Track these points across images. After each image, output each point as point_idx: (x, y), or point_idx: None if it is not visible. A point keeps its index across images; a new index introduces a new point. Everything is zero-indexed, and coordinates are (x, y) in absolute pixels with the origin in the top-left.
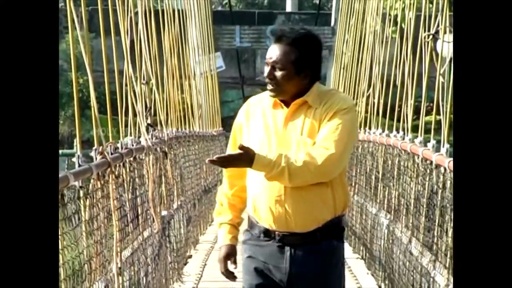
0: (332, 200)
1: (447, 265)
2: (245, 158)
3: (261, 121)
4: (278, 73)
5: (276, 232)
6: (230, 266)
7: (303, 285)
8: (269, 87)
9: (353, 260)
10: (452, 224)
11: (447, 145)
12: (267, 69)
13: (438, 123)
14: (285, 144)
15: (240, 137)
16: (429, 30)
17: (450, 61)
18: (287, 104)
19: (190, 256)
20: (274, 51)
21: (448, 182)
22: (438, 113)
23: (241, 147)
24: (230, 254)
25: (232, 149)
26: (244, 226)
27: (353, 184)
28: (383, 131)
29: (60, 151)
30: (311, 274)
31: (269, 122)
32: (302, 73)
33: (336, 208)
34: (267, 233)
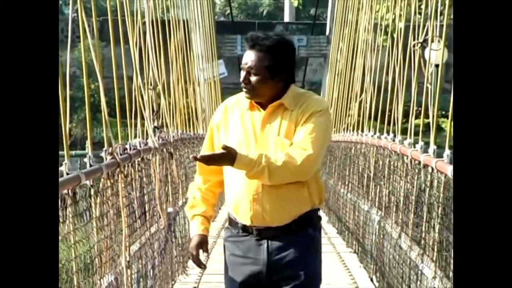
0: (308, 196)
1: (434, 258)
2: (228, 157)
3: (239, 122)
4: (253, 78)
5: (254, 227)
6: (201, 255)
7: (281, 272)
8: (245, 90)
9: (346, 254)
10: (439, 220)
11: (434, 147)
12: (242, 74)
13: (426, 125)
14: (262, 145)
15: (217, 136)
16: (417, 39)
17: (436, 67)
18: (263, 106)
19: None
20: (249, 57)
21: (435, 181)
22: (426, 116)
23: (224, 147)
24: (202, 243)
25: (208, 147)
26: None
27: (346, 183)
28: (375, 133)
29: (73, 152)
30: (288, 261)
31: (247, 123)
32: (277, 77)
33: (312, 203)
34: (245, 229)
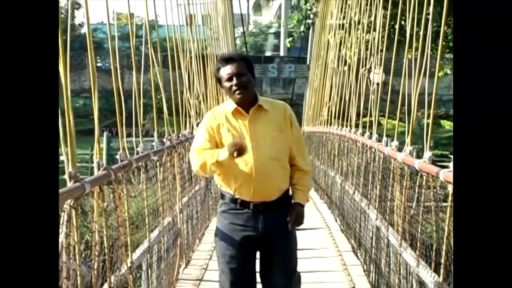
0: (287, 177)
1: (376, 207)
2: (299, 210)
3: (229, 125)
4: (244, 79)
5: (251, 202)
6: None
7: (271, 238)
8: (239, 92)
9: (319, 204)
10: (379, 183)
11: (376, 135)
12: (234, 81)
13: (370, 122)
14: (254, 139)
15: (213, 134)
16: (365, 66)
17: (377, 85)
18: (246, 110)
19: None
20: (234, 67)
21: (377, 157)
22: (370, 116)
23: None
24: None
25: (206, 139)
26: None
27: (320, 159)
28: (338, 127)
29: (145, 139)
30: (276, 231)
31: (236, 125)
32: (253, 77)
33: (289, 182)
34: (243, 203)
